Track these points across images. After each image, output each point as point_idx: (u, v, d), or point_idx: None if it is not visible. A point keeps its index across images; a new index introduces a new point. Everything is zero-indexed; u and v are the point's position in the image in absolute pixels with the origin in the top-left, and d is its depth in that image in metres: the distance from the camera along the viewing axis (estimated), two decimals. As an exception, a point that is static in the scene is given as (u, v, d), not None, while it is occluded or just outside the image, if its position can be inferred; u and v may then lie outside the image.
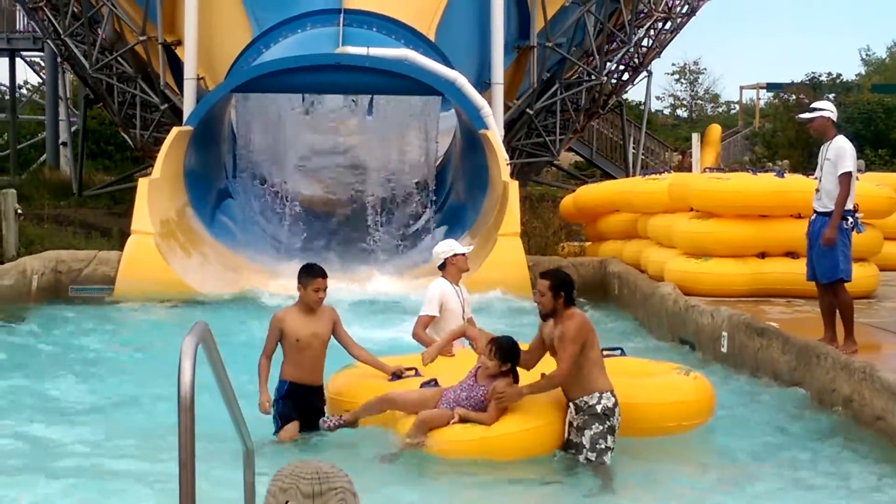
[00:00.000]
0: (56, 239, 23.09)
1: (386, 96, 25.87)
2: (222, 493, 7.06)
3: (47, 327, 16.29)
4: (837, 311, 11.56)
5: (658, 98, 72.58)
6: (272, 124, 26.30)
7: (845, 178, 11.26)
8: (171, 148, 21.70)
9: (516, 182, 21.43)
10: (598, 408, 8.56)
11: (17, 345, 14.84)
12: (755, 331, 12.70)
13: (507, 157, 22.67)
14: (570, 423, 8.69)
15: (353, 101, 26.48)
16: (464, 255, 10.77)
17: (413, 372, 9.57)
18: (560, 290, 8.63)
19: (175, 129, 22.51)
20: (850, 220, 11.41)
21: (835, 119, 11.77)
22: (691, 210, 17.54)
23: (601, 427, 8.56)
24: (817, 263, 11.52)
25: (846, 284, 11.50)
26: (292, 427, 9.32)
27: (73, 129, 37.35)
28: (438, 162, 27.32)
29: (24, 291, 18.57)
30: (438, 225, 24.47)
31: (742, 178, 17.71)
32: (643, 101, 40.40)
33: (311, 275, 9.37)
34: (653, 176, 21.68)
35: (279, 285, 19.69)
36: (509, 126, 27.45)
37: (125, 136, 31.41)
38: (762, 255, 16.70)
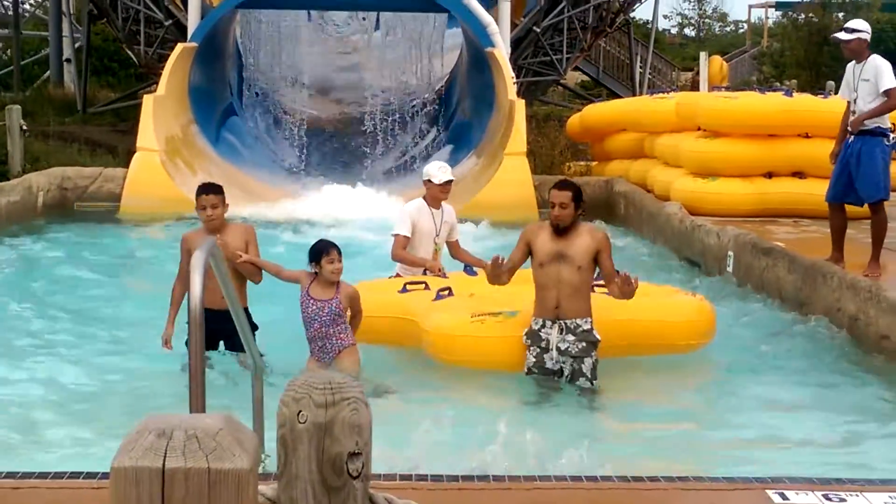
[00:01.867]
0: (61, 156, 23.02)
1: (392, 13, 25.67)
2: (229, 408, 7.09)
3: (53, 242, 16.33)
4: (871, 231, 11.48)
5: (666, 17, 72.08)
6: (277, 41, 26.13)
7: (893, 93, 11.07)
8: (176, 65, 21.57)
9: (523, 101, 21.30)
10: (595, 333, 8.42)
11: (23, 260, 14.90)
12: (761, 250, 12.70)
13: (513, 75, 22.52)
14: (558, 349, 8.41)
15: (361, 17, 26.29)
16: (435, 184, 10.34)
17: (447, 292, 9.53)
18: (580, 202, 8.44)
19: (180, 46, 22.36)
20: (893, 136, 11.31)
21: (869, 40, 11.59)
22: (698, 129, 17.46)
23: (595, 354, 8.45)
24: (861, 184, 11.33)
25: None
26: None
27: (76, 45, 37.03)
28: (444, 80, 27.17)
29: (31, 208, 18.58)
30: (444, 144, 24.39)
31: (750, 97, 17.60)
32: (651, 19, 39.99)
33: (197, 192, 8.75)
34: (660, 95, 21.54)
35: (283, 204, 19.70)
36: (516, 44, 27.23)
37: (129, 52, 31.19)
38: (769, 175, 16.64)
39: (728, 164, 16.62)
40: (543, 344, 8.42)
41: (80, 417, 7.74)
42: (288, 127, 25.27)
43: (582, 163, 24.19)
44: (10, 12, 40.35)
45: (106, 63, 40.70)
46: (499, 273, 8.60)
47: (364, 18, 26.23)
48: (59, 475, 5.45)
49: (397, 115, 25.77)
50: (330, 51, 28.14)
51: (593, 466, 6.24)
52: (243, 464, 2.16)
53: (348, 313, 8.53)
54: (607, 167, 22.21)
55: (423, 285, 9.78)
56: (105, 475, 5.39)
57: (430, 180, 10.44)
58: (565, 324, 8.36)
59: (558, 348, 8.37)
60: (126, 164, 20.58)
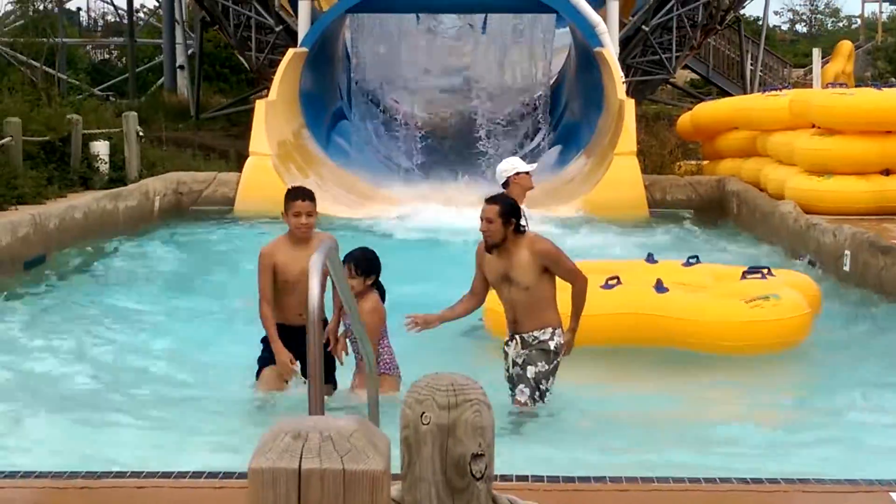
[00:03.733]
0: (176, 161, 23.44)
1: (501, 14, 25.66)
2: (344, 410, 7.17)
3: (169, 245, 16.65)
4: None
5: (776, 13, 71.17)
6: (386, 45, 26.29)
7: None
8: (287, 70, 21.84)
9: (632, 100, 21.18)
10: (551, 344, 7.70)
11: (142, 262, 15.22)
12: (879, 249, 12.46)
13: (622, 75, 22.40)
14: (514, 361, 7.81)
15: (469, 21, 26.33)
16: (527, 173, 10.12)
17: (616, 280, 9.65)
18: (510, 217, 7.59)
19: (290, 51, 22.64)
20: None
21: None
22: (813, 127, 17.19)
23: (547, 366, 7.71)
24: None
25: None
26: (269, 375, 8.05)
27: (189, 52, 37.72)
28: (553, 81, 27.11)
29: (147, 212, 18.96)
30: (553, 144, 24.34)
31: (866, 94, 17.28)
32: (761, 15, 39.49)
33: (291, 197, 7.98)
34: (773, 92, 21.24)
35: (393, 206, 19.83)
36: (624, 43, 27.09)
37: (241, 58, 31.64)
38: (886, 172, 16.31)
39: (843, 161, 16.32)
40: (506, 359, 7.91)
41: (197, 416, 7.86)
42: (397, 130, 25.42)
43: (693, 162, 23.96)
44: (126, 21, 41.19)
45: (218, 69, 41.33)
46: (433, 320, 7.95)
47: (471, 23, 26.25)
48: (181, 474, 5.56)
49: (506, 117, 25.77)
50: (438, 53, 28.24)
51: (708, 468, 6.19)
52: (378, 465, 2.19)
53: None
54: (719, 166, 21.96)
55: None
56: (227, 474, 5.49)
57: (517, 172, 10.02)
58: (523, 338, 7.75)
59: (514, 361, 7.80)
60: (239, 169, 20.90)
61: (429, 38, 27.25)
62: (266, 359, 8.03)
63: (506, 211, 7.59)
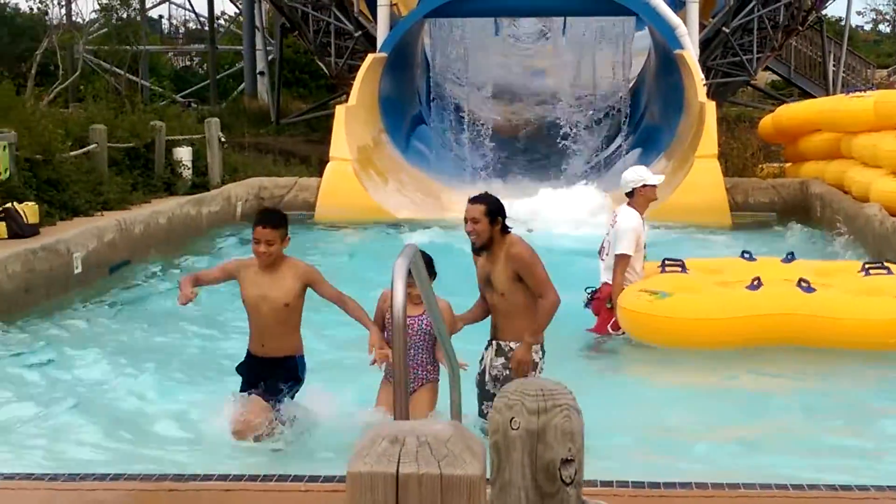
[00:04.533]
0: (257, 166, 23.69)
1: (579, 18, 25.56)
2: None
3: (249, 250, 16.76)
4: None
5: (859, 13, 70.34)
6: (464, 49, 26.33)
7: None
8: (367, 75, 21.96)
9: (713, 103, 21.01)
10: (532, 356, 7.22)
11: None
12: (968, 252, 12.25)
13: (702, 77, 22.23)
14: (490, 374, 7.35)
15: (548, 25, 26.26)
16: (654, 186, 10.24)
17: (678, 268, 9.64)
18: (496, 215, 7.18)
19: (370, 56, 22.76)
20: None
21: None
22: (899, 128, 16.94)
23: None
24: None
25: None
26: (243, 418, 7.35)
27: (269, 58, 38.05)
28: (632, 83, 26.98)
29: (229, 217, 19.16)
30: (632, 147, 24.21)
31: (953, 94, 17.00)
32: (843, 16, 39.02)
33: (255, 220, 7.48)
34: (857, 94, 20.95)
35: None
36: (705, 45, 26.89)
37: (320, 64, 31.85)
38: (974, 174, 16.04)
39: (931, 163, 16.07)
40: (480, 365, 7.48)
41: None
42: (476, 134, 25.44)
43: (775, 164, 23.72)
44: (207, 28, 41.65)
45: (297, 75, 41.67)
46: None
47: (548, 32, 26.21)
48: (267, 478, 5.61)
49: (584, 120, 25.70)
50: (517, 57, 28.23)
51: (794, 473, 6.12)
52: (474, 470, 2.20)
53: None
54: (802, 168, 21.72)
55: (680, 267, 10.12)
56: (312, 478, 5.53)
57: (645, 184, 10.17)
58: (499, 344, 7.31)
59: (490, 373, 7.35)
60: (319, 174, 21.06)
61: (507, 43, 27.24)
62: (245, 385, 7.60)
63: (492, 209, 7.18)
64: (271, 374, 7.44)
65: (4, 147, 14.49)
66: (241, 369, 7.70)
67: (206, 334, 11.14)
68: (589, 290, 10.44)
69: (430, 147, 24.63)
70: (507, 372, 7.20)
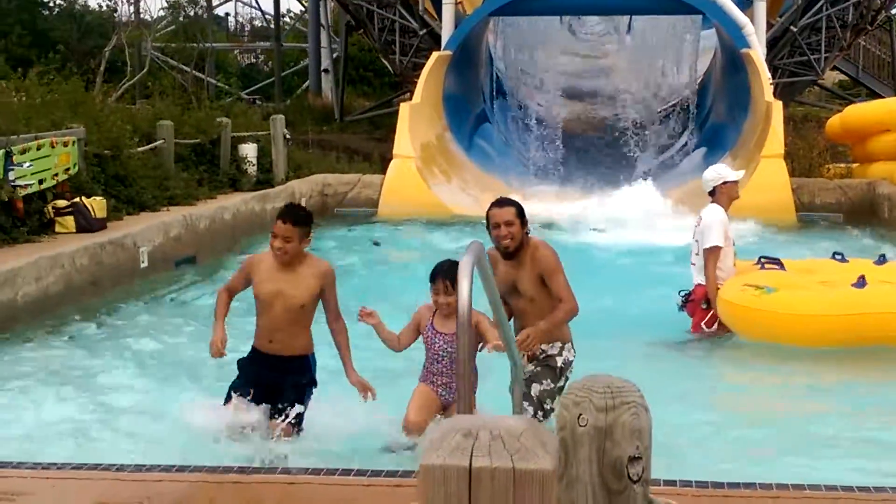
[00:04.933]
0: (321, 163, 23.82)
1: (645, 16, 25.43)
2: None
3: (314, 247, 16.85)
4: None
5: (929, 12, 69.04)
6: (530, 47, 26.31)
7: None
8: (431, 73, 22.01)
9: (779, 102, 20.83)
10: (559, 360, 7.07)
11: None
12: None
13: (769, 76, 22.05)
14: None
15: (613, 23, 26.16)
16: (735, 182, 10.24)
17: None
18: (524, 217, 7.00)
19: (435, 54, 22.80)
20: None
21: None
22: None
23: (553, 384, 7.01)
24: None
25: None
26: (231, 413, 7.13)
27: (334, 55, 38.23)
28: (698, 82, 26.82)
29: (294, 213, 19.26)
30: (697, 146, 24.07)
31: None
32: (914, 15, 38.48)
33: (277, 214, 7.26)
34: (926, 94, 20.70)
35: (536, 209, 19.80)
36: (772, 44, 26.65)
37: (385, 61, 31.97)
38: None
39: None
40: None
41: (344, 413, 7.90)
42: (539, 132, 25.40)
43: (842, 165, 23.46)
44: (272, 25, 41.92)
45: (362, 72, 41.83)
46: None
47: (613, 31, 26.10)
48: (331, 472, 5.63)
49: (650, 119, 25.57)
50: (581, 55, 28.15)
51: (860, 478, 6.05)
52: (547, 465, 2.20)
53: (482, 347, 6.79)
54: (870, 169, 21.47)
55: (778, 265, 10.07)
56: (375, 472, 5.55)
57: (725, 181, 10.15)
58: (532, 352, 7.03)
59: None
60: (382, 171, 21.15)
61: (572, 41, 27.18)
62: (234, 384, 7.32)
63: (521, 211, 7.00)
64: (281, 373, 7.14)
65: (74, 142, 14.67)
66: (243, 364, 7.33)
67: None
68: (683, 293, 10.40)
69: (494, 145, 24.62)
70: (536, 369, 7.02)
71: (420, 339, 7.23)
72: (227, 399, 7.22)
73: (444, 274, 6.88)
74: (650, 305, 11.48)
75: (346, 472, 5.68)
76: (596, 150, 25.48)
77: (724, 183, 10.19)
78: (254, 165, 20.34)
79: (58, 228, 13.77)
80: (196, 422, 7.18)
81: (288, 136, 21.50)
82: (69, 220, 13.80)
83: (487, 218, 7.03)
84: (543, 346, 7.04)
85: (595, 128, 26.66)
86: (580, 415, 2.78)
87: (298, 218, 7.08)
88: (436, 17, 27.34)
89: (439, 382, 7.10)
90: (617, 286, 12.68)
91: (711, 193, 10.27)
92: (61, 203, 13.98)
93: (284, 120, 21.66)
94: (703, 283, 10.14)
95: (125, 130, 16.74)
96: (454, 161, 22.12)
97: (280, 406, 7.09)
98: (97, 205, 13.98)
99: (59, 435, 7.36)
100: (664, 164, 24.07)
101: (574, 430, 2.76)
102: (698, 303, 10.21)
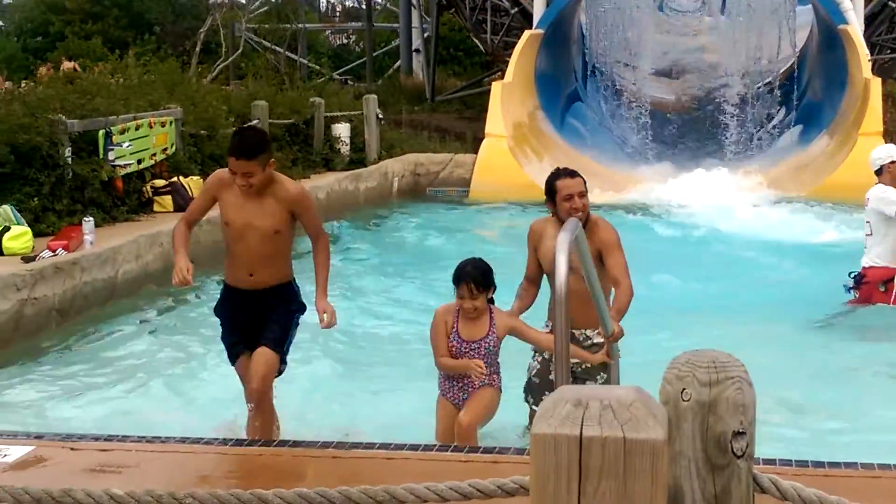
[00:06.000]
0: (413, 143, 23.90)
1: (740, -8, 25.12)
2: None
3: (407, 225, 16.98)
4: None
5: None
6: (622, 25, 26.10)
7: None
8: (523, 52, 21.95)
9: (878, 79, 20.48)
10: (603, 347, 6.54)
11: (382, 240, 15.60)
12: None
13: (867, 52, 21.66)
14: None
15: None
16: None
17: None
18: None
19: (527, 33, 22.74)
20: None
21: None
22: None
23: (606, 374, 6.68)
24: None
25: None
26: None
27: (425, 35, 38.28)
28: (794, 59, 26.43)
29: (386, 193, 19.41)
30: (794, 124, 23.75)
31: None
32: None
33: (228, 149, 6.52)
34: None
35: (631, 189, 19.71)
36: (869, 20, 26.16)
37: (476, 41, 31.95)
38: None
39: None
40: (548, 354, 6.69)
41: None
42: (632, 111, 25.22)
43: (942, 143, 22.99)
44: (363, 6, 42.09)
45: (453, 52, 41.82)
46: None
47: (707, 7, 25.79)
48: (429, 447, 5.69)
49: (745, 97, 25.26)
50: (675, 33, 27.89)
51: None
52: (657, 434, 2.22)
53: None
54: (970, 146, 21.01)
55: None
56: (472, 449, 5.59)
57: (893, 160, 10.16)
58: (573, 333, 6.45)
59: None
60: (474, 151, 21.17)
61: (665, 18, 26.94)
62: (224, 338, 6.71)
63: (586, 183, 6.69)
64: (269, 305, 6.50)
65: (171, 122, 14.90)
66: (222, 309, 6.66)
67: (368, 307, 11.30)
68: (853, 275, 10.26)
69: (586, 124, 24.49)
70: (584, 366, 6.65)
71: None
72: (234, 360, 6.62)
73: (469, 276, 6.46)
74: (755, 287, 11.41)
75: (444, 447, 5.73)
76: (689, 129, 25.24)
77: (893, 162, 10.14)
78: (347, 145, 20.48)
79: (156, 208, 14.01)
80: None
81: (380, 116, 21.61)
82: (167, 200, 14.04)
83: (553, 188, 6.63)
84: (589, 333, 6.69)
85: (689, 107, 26.40)
86: (683, 389, 2.78)
87: (252, 149, 6.34)
88: (527, -5, 27.27)
89: (457, 387, 6.61)
90: (718, 268, 12.61)
91: (878, 172, 10.21)
92: (159, 182, 14.23)
93: (377, 100, 21.77)
94: (875, 264, 10.02)
95: (220, 111, 16.96)
96: (546, 140, 22.05)
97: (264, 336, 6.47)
98: (194, 184, 14.19)
99: (163, 409, 7.52)
100: (759, 143, 23.78)
101: (677, 405, 2.76)
102: (874, 284, 10.06)
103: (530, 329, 6.60)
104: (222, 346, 6.62)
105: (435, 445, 5.72)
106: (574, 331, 6.50)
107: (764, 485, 2.96)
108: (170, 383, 8.26)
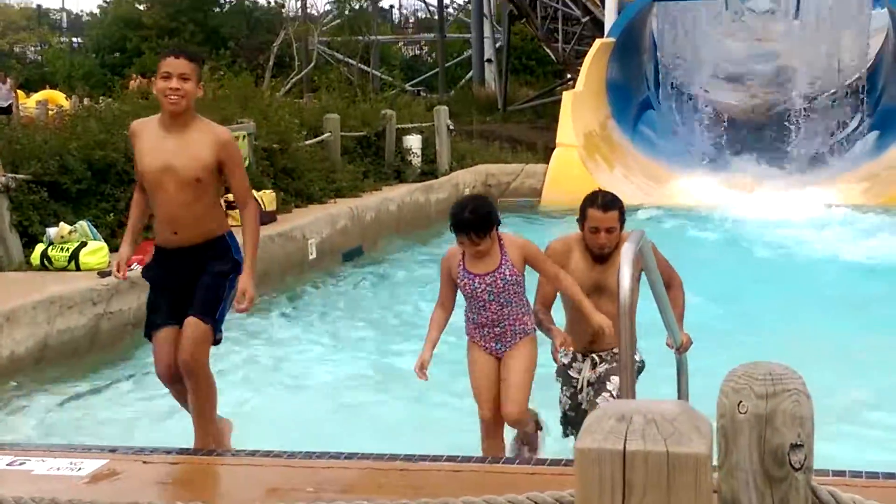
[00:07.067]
0: (484, 153, 23.93)
1: (813, -2, 24.87)
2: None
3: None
4: None
5: None
6: (694, 32, 25.96)
7: None
8: (594, 60, 21.92)
9: (958, 83, 20.20)
10: (636, 357, 6.13)
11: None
12: None
13: (947, 55, 21.37)
14: (589, 381, 6.45)
15: (780, 5, 25.63)
16: None
17: None
18: (624, 218, 6.38)
19: (598, 42, 22.70)
20: None
21: None
22: None
23: (612, 385, 6.34)
24: None
25: None
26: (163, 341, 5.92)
27: (497, 45, 38.34)
28: (869, 64, 26.11)
29: (457, 204, 19.41)
30: (870, 130, 23.45)
31: None
32: None
33: (167, 52, 5.89)
34: None
35: (703, 197, 19.57)
36: (947, 23, 25.77)
37: (547, 50, 31.98)
38: None
39: None
40: (575, 383, 6.52)
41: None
42: (704, 118, 25.05)
43: None
44: (436, 17, 42.23)
45: (524, 62, 41.86)
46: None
47: (780, 12, 25.52)
48: (495, 460, 5.69)
49: (819, 103, 24.99)
50: (748, 40, 27.65)
51: None
52: (701, 448, 2.23)
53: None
54: None
55: None
56: (539, 461, 5.59)
57: None
58: (600, 356, 6.46)
59: (589, 381, 6.46)
60: (545, 160, 21.14)
61: (738, 25, 26.71)
62: (148, 303, 6.10)
63: (624, 211, 6.36)
64: (198, 265, 5.92)
65: (244, 136, 15.05)
66: (150, 273, 6.06)
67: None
68: None
69: (658, 133, 24.38)
70: (606, 367, 6.44)
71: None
72: (149, 332, 6.03)
73: (469, 225, 5.94)
74: (823, 301, 11.29)
75: (510, 460, 5.74)
76: (763, 136, 25.01)
77: None
78: (418, 157, 20.55)
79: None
80: None
81: (451, 127, 21.65)
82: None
83: (584, 213, 6.32)
84: (616, 350, 6.11)
85: (762, 114, 26.16)
86: (740, 402, 2.77)
87: (193, 53, 5.89)
88: (598, 4, 27.24)
89: (490, 336, 6.22)
90: (785, 280, 12.48)
91: None
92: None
93: (448, 111, 21.83)
94: None
95: (293, 124, 17.08)
96: (617, 149, 21.99)
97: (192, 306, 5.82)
98: (267, 198, 14.31)
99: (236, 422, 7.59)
100: (833, 150, 23.51)
101: (734, 418, 2.76)
102: None
103: (546, 261, 6.18)
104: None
105: (501, 458, 5.72)
106: (602, 353, 6.43)
107: (823, 497, 2.95)
108: (243, 396, 8.34)
